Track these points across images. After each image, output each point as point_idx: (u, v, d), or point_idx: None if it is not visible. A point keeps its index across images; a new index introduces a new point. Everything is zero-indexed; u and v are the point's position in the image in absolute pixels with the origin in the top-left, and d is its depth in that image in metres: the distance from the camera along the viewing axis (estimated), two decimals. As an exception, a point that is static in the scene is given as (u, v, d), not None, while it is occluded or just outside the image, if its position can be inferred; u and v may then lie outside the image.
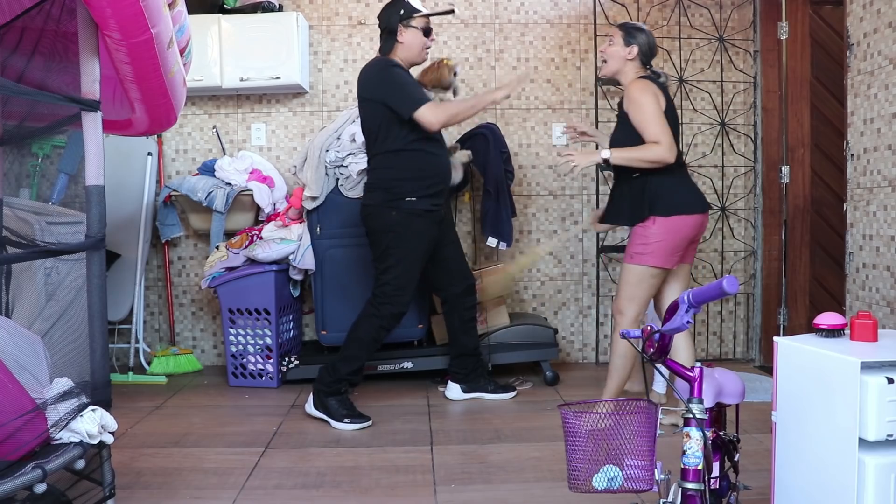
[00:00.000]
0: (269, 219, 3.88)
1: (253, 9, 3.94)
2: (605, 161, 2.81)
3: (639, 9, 4.13)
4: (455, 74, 3.38)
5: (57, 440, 1.76)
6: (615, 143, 2.88)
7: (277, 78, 3.86)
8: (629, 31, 2.87)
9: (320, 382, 3.10)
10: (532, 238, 4.24)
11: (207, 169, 3.98)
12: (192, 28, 2.49)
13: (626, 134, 2.82)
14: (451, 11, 3.34)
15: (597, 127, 4.11)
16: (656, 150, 2.72)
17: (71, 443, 1.77)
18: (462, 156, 3.56)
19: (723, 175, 4.23)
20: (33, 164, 3.56)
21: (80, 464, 1.79)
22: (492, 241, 3.72)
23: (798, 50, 4.05)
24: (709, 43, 4.19)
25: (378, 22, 3.14)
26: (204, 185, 3.87)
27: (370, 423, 3.05)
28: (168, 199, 4.01)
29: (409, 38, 3.07)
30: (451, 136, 4.12)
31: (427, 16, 3.10)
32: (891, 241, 2.79)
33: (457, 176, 3.48)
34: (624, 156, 2.79)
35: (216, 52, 3.87)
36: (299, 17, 3.91)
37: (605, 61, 2.93)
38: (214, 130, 4.18)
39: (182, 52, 2.35)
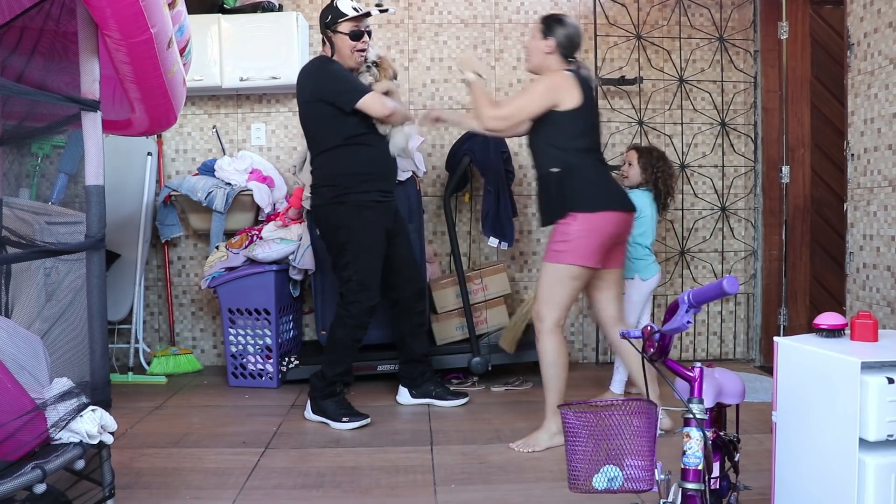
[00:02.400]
0: (268, 219, 3.87)
1: (253, 9, 3.94)
2: (465, 82, 2.85)
3: (639, 9, 4.13)
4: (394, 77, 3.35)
5: (57, 440, 1.76)
6: (534, 143, 2.83)
7: (277, 78, 3.86)
8: (547, 24, 2.78)
9: (314, 389, 3.12)
10: (532, 238, 4.24)
11: (207, 169, 3.98)
12: (192, 28, 2.49)
13: (538, 129, 2.78)
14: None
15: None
16: (488, 109, 2.74)
17: (71, 443, 1.77)
18: (408, 131, 3.32)
19: (723, 175, 4.22)
20: (33, 163, 3.56)
21: (80, 464, 1.79)
22: (493, 242, 3.72)
23: (798, 50, 4.05)
24: (709, 43, 4.19)
25: (321, 26, 3.13)
26: (204, 185, 3.87)
27: (368, 420, 3.05)
28: (168, 199, 4.01)
29: (338, 43, 3.06)
30: (451, 136, 4.12)
31: (353, 19, 3.03)
32: (891, 241, 2.79)
33: (404, 154, 3.30)
34: (475, 96, 2.81)
35: (216, 52, 3.87)
36: (299, 17, 3.91)
37: (527, 58, 2.90)
38: (214, 130, 4.18)
39: (182, 52, 2.35)
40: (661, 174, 3.28)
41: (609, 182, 2.81)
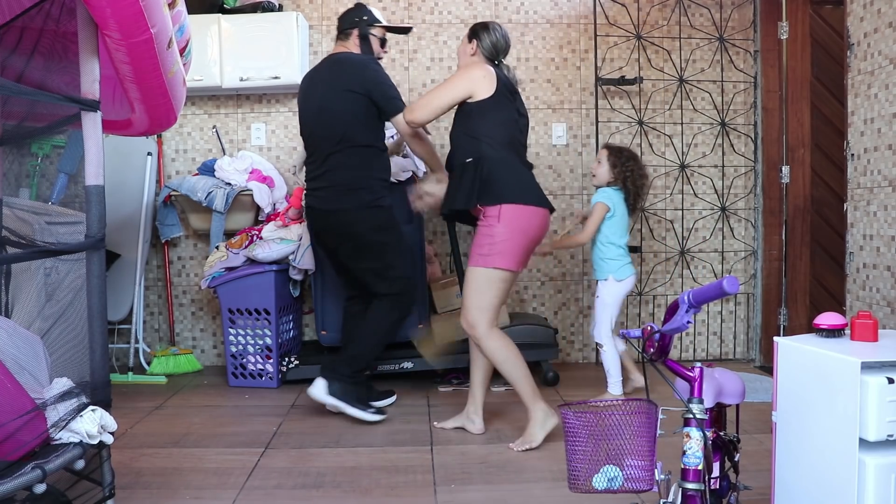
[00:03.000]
0: (268, 219, 3.87)
1: (253, 9, 3.94)
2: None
3: (639, 9, 4.13)
4: None
5: (57, 440, 1.76)
6: (453, 135, 2.86)
7: (277, 78, 3.86)
8: (473, 30, 2.92)
9: (337, 373, 3.03)
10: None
11: (207, 169, 3.98)
12: (192, 28, 2.49)
13: (458, 120, 2.84)
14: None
15: (597, 127, 4.12)
16: (409, 109, 2.81)
17: (71, 443, 1.77)
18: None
19: (723, 175, 4.22)
20: (33, 163, 3.57)
21: (80, 464, 1.79)
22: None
23: (798, 50, 4.05)
24: (709, 43, 4.19)
25: (339, 23, 3.21)
26: (204, 185, 3.87)
27: (385, 416, 3.14)
28: (168, 199, 4.01)
29: (373, 43, 3.19)
30: (451, 136, 4.12)
31: (385, 28, 3.21)
32: (891, 241, 2.79)
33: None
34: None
35: (216, 52, 3.87)
36: (299, 17, 3.91)
37: (458, 62, 2.99)
38: (214, 130, 4.18)
39: (182, 52, 2.34)
40: (630, 174, 3.30)
41: (529, 177, 2.80)
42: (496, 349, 2.72)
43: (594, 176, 3.37)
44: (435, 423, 3.05)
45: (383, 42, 3.22)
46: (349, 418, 3.11)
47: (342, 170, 3.05)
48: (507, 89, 2.80)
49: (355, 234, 3.07)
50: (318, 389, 3.03)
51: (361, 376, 3.16)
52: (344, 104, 3.03)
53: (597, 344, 3.39)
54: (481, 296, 2.69)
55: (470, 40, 2.91)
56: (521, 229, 2.67)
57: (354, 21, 3.15)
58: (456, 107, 2.85)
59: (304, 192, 3.28)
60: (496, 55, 2.90)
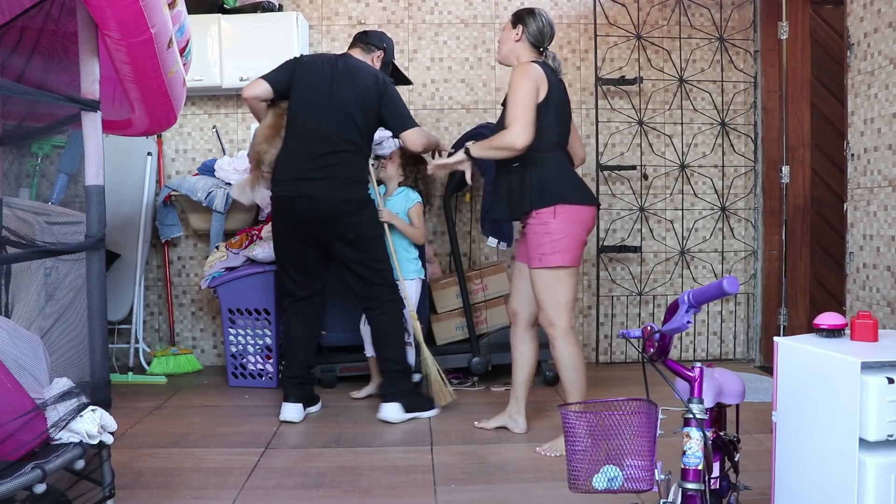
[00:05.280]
0: (268, 219, 3.87)
1: (253, 9, 3.95)
2: (468, 155, 2.80)
3: (639, 9, 4.13)
4: None
5: (57, 440, 1.76)
6: (497, 129, 2.81)
7: (277, 78, 3.86)
8: (517, 15, 2.84)
9: (403, 389, 3.14)
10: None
11: (207, 169, 3.98)
12: (192, 28, 2.49)
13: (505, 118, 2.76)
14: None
15: (597, 127, 4.12)
16: (507, 135, 2.62)
17: (71, 443, 1.77)
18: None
19: (723, 175, 4.22)
20: (33, 163, 3.57)
21: (80, 464, 1.79)
22: (492, 242, 3.72)
23: (798, 50, 4.05)
24: (709, 43, 4.19)
25: (365, 36, 3.29)
26: (204, 185, 3.87)
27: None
28: (168, 199, 4.00)
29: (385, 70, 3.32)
30: (451, 136, 4.12)
31: (395, 68, 3.45)
32: (891, 241, 2.79)
33: None
34: (482, 147, 2.77)
35: (216, 52, 3.87)
36: (299, 17, 3.91)
37: (498, 49, 2.94)
38: (214, 130, 4.18)
39: (182, 52, 2.34)
40: (421, 176, 3.40)
41: (576, 175, 2.80)
42: (566, 355, 2.69)
43: (382, 172, 3.46)
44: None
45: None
46: (349, 418, 3.12)
47: (343, 166, 3.08)
48: (557, 85, 2.76)
49: (357, 224, 3.09)
50: (394, 412, 3.11)
51: (411, 381, 3.24)
52: (360, 111, 3.08)
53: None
54: (553, 294, 2.68)
55: (514, 25, 2.82)
56: (578, 223, 2.68)
57: (384, 46, 3.29)
58: (501, 107, 2.84)
59: (282, 182, 3.09)
60: (542, 41, 2.82)
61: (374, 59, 3.26)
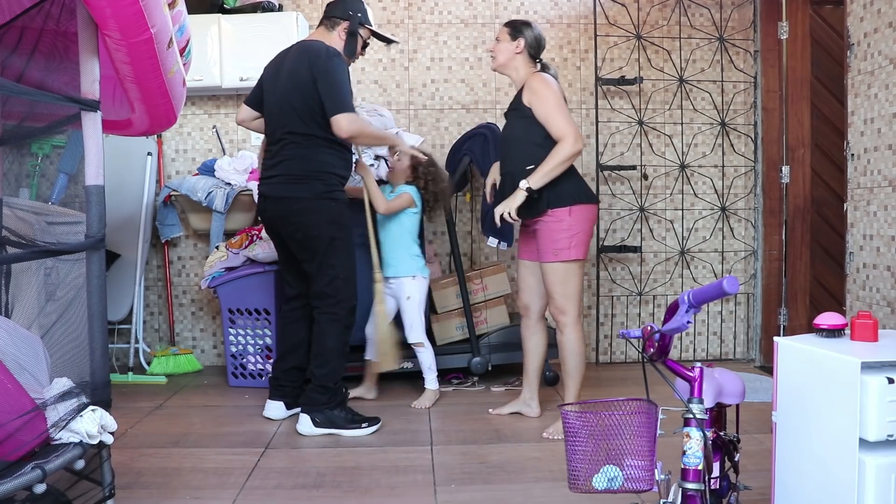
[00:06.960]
0: (269, 219, 3.87)
1: (253, 9, 3.95)
2: (530, 191, 2.77)
3: (639, 9, 4.13)
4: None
5: (57, 440, 1.76)
6: (517, 140, 2.90)
7: (277, 78, 3.86)
8: (514, 27, 2.95)
9: (316, 403, 2.94)
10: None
11: (207, 169, 3.98)
12: (192, 28, 2.49)
13: (526, 128, 2.87)
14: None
15: (597, 127, 4.12)
16: (565, 146, 2.76)
17: (71, 443, 1.77)
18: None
19: (723, 175, 4.22)
20: (33, 163, 3.56)
21: (80, 464, 1.79)
22: (492, 242, 3.72)
23: (798, 50, 4.05)
24: (709, 43, 4.19)
25: (327, 9, 3.04)
26: (204, 185, 3.87)
27: (380, 423, 3.02)
28: (168, 198, 4.01)
29: (354, 40, 3.02)
30: (451, 136, 4.12)
31: (372, 32, 3.08)
32: (891, 241, 2.79)
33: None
34: (542, 174, 2.76)
35: (216, 52, 3.88)
36: (299, 17, 3.91)
37: (493, 57, 3.01)
38: (214, 130, 4.18)
39: (182, 52, 2.35)
40: (431, 178, 3.39)
41: (581, 177, 2.96)
42: (574, 340, 2.89)
43: (391, 170, 3.44)
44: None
45: (365, 45, 3.09)
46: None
47: (296, 160, 2.91)
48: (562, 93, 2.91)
49: (305, 225, 2.91)
50: (305, 426, 2.95)
51: (339, 396, 3.00)
52: (300, 95, 2.87)
53: (413, 345, 3.39)
54: (565, 285, 2.86)
55: (514, 38, 2.93)
56: (588, 221, 2.90)
57: (348, 14, 2.99)
58: (510, 114, 2.98)
59: (259, 180, 3.11)
60: (539, 51, 2.97)
61: (339, 34, 3.00)
